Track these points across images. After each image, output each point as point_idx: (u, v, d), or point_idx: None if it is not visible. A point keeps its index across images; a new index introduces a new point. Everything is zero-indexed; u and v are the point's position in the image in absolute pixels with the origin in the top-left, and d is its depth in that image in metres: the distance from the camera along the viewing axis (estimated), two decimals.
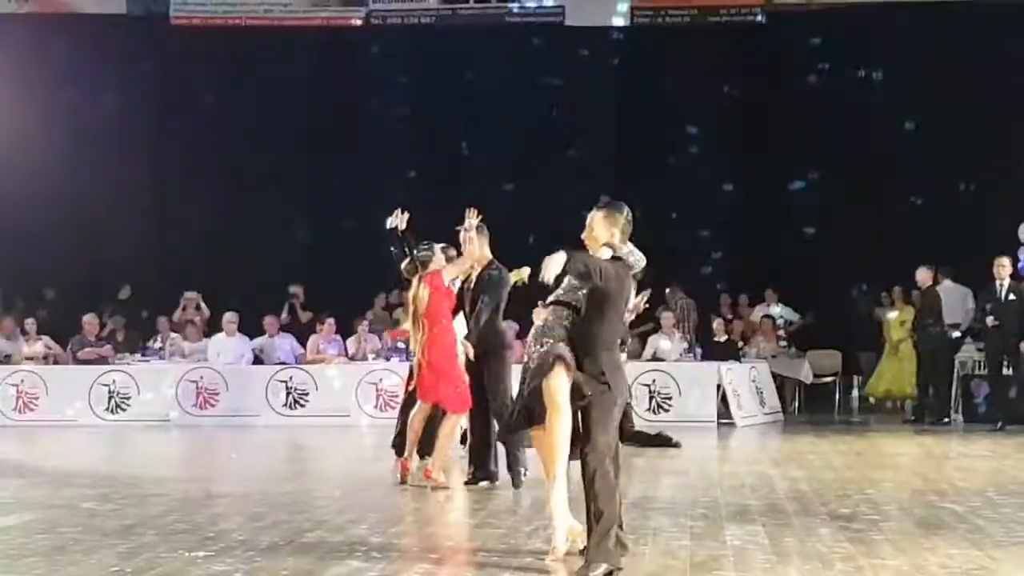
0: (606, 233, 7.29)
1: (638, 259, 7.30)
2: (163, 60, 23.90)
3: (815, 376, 20.93)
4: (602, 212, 7.35)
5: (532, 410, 7.27)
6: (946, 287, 19.37)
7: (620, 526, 7.17)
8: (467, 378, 11.05)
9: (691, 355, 19.13)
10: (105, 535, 8.39)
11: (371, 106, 24.21)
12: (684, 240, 23.56)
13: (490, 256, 11.19)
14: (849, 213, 22.83)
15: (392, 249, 12.04)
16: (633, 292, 7.26)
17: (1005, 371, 17.78)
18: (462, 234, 11.09)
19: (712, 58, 23.52)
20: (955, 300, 19.32)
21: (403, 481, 11.11)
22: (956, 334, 19.03)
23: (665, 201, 23.43)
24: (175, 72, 23.89)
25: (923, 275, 18.78)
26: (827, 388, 21.39)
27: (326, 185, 24.27)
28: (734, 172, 24.02)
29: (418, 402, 11.22)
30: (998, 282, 17.68)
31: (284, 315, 21.10)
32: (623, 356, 7.54)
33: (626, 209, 7.36)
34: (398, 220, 11.77)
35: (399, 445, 13.16)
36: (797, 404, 20.86)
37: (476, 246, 10.96)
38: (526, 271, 12.61)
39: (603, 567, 6.85)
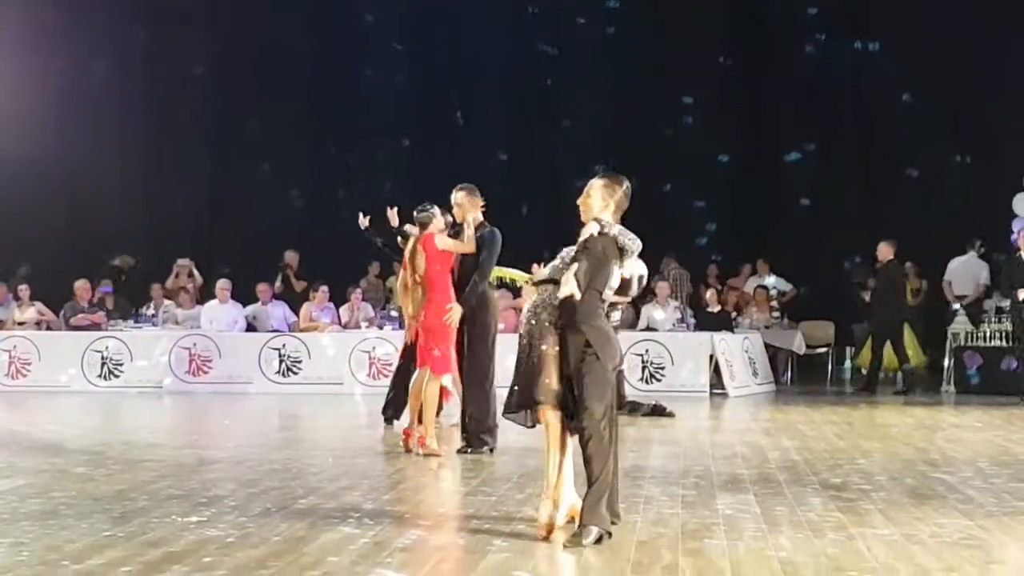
0: (601, 203, 7.24)
1: (632, 243, 7.24)
2: (156, 26, 23.80)
3: (808, 347, 20.95)
4: (603, 181, 7.31)
5: (529, 401, 7.31)
6: (965, 259, 19.55)
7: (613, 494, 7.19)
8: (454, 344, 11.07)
9: (684, 325, 19.14)
10: (97, 500, 8.40)
11: (366, 74, 24.19)
12: (679, 211, 23.58)
13: (481, 218, 11.17)
14: (844, 184, 22.86)
15: (377, 241, 12.18)
16: (619, 269, 7.23)
17: None
18: (455, 204, 11.09)
19: (708, 28, 23.48)
20: (970, 272, 19.46)
21: (407, 449, 11.06)
22: (956, 306, 19.10)
23: (660, 172, 23.44)
24: (168, 38, 23.77)
25: (884, 250, 18.74)
26: (820, 359, 21.42)
27: (320, 153, 24.29)
28: (730, 143, 24.01)
29: (417, 369, 11.22)
30: (1022, 253, 17.13)
31: (278, 284, 21.09)
32: (616, 319, 7.52)
33: (626, 183, 7.32)
34: (389, 217, 11.88)
35: (390, 413, 13.27)
36: (789, 374, 20.89)
37: (473, 234, 10.95)
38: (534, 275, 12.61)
39: (595, 532, 6.88)
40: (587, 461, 6.98)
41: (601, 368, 7.03)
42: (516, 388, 7.39)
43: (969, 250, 19.86)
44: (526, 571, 6.30)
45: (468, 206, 11.03)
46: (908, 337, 20.66)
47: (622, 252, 7.20)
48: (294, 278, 21.28)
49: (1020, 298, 16.82)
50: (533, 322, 7.31)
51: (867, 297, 19.33)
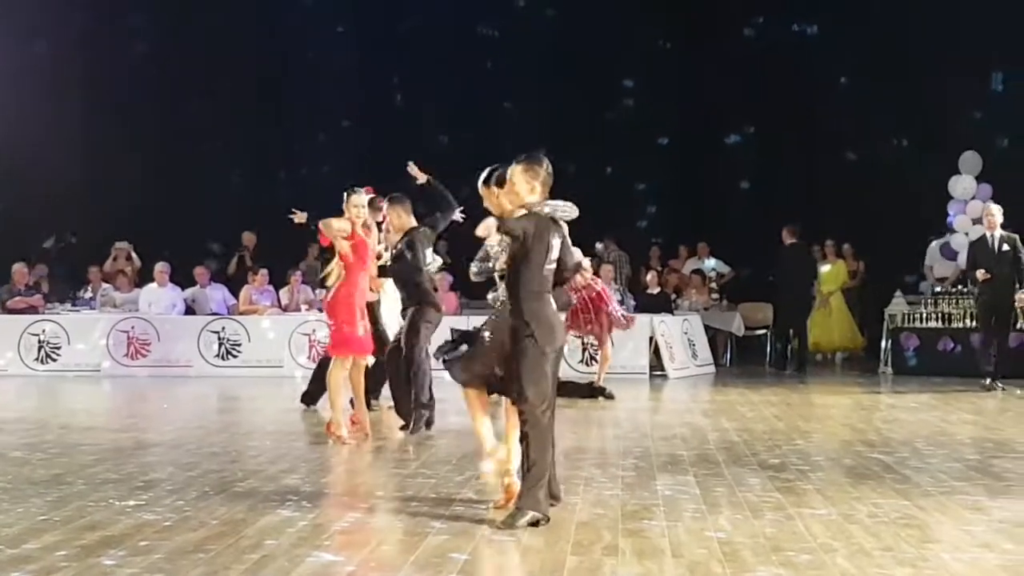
0: (527, 187, 7.16)
1: (566, 211, 7.25)
2: (97, 4, 23.50)
3: (747, 329, 21.08)
4: (521, 166, 7.19)
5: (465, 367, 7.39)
6: (942, 241, 20.20)
7: (551, 477, 7.20)
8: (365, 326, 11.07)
9: (623, 307, 19.15)
10: (34, 484, 8.33)
11: (306, 55, 24.03)
12: (620, 193, 23.62)
13: (414, 223, 11.40)
14: (783, 167, 22.94)
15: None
16: (558, 244, 7.22)
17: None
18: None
19: (648, 10, 23.51)
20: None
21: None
22: (938, 288, 19.38)
23: (601, 155, 23.49)
24: (109, 16, 23.50)
25: (786, 234, 19.08)
26: (758, 340, 21.54)
27: (260, 135, 24.09)
28: (669, 126, 24.07)
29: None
30: (988, 233, 16.36)
31: (233, 264, 21.07)
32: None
33: (546, 161, 7.25)
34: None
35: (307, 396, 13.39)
36: (729, 356, 21.02)
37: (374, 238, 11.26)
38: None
39: (529, 515, 6.87)
40: (525, 446, 6.97)
41: (537, 351, 7.01)
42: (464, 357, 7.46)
43: (946, 233, 20.20)
44: (465, 553, 6.30)
45: (394, 215, 11.42)
46: (845, 318, 20.92)
47: (555, 223, 7.19)
48: (250, 260, 21.15)
49: (980, 278, 16.18)
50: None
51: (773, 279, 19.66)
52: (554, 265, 7.22)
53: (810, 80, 23.19)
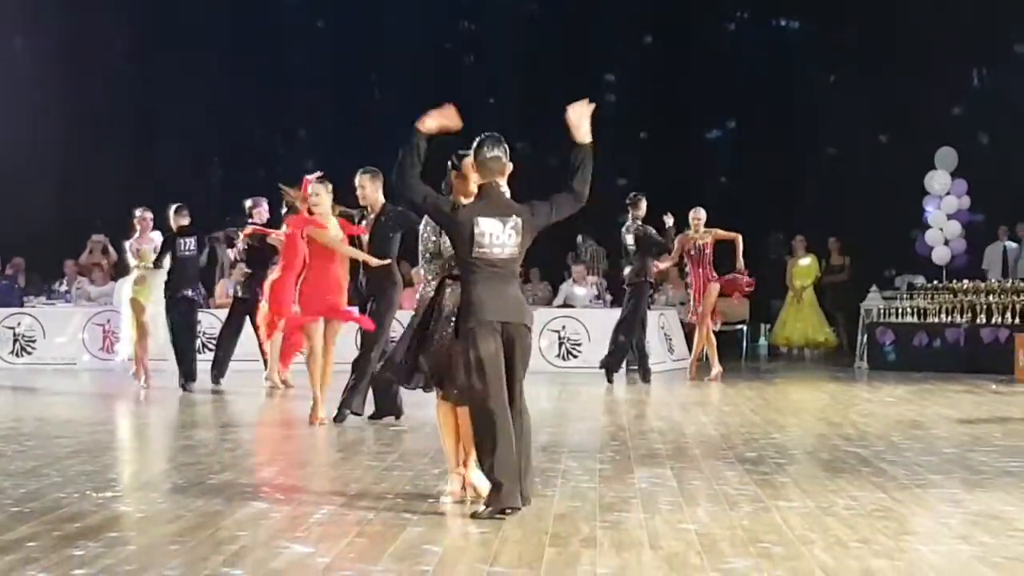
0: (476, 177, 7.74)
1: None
2: (75, 8, 23.39)
3: (723, 323, 21.04)
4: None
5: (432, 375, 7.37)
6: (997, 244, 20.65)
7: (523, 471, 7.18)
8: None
9: (600, 302, 19.18)
10: (9, 476, 8.30)
11: (287, 51, 23.96)
12: (601, 188, 23.51)
13: (383, 200, 11.41)
14: (763, 162, 22.93)
15: None
16: (496, 226, 7.31)
17: None
18: (358, 187, 11.22)
19: (630, 5, 23.52)
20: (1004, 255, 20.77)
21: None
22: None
23: None
24: (87, 13, 23.37)
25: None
26: (735, 335, 21.55)
27: (240, 131, 24.00)
28: (651, 120, 24.07)
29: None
30: None
31: (204, 257, 21.01)
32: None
33: (484, 148, 7.95)
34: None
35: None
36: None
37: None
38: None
39: (492, 507, 6.89)
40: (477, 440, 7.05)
41: (456, 335, 7.10)
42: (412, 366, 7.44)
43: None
44: (441, 546, 6.29)
45: (370, 189, 11.35)
46: (815, 313, 20.97)
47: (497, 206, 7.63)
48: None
49: None
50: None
51: None
52: (497, 250, 7.19)
53: (790, 76, 23.24)
